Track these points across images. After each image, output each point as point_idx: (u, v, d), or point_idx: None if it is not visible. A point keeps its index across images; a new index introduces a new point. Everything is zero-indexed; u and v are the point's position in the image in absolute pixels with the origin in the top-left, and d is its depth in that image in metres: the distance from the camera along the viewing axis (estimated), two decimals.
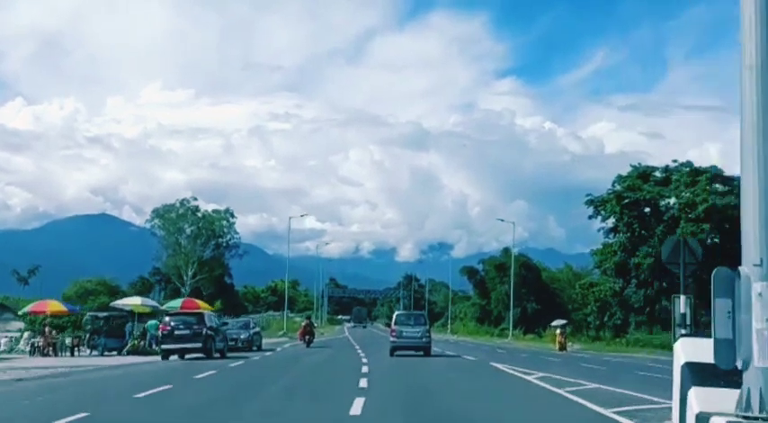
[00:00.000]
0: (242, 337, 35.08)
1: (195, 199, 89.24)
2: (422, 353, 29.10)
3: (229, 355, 29.76)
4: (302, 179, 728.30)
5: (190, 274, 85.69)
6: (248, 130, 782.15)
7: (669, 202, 59.48)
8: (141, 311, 34.84)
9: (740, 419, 6.29)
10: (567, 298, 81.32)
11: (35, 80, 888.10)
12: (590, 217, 63.05)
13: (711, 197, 55.38)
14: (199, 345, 27.00)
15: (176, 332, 26.99)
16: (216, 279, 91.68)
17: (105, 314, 35.24)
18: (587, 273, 79.89)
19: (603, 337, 61.59)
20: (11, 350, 33.06)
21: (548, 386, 15.54)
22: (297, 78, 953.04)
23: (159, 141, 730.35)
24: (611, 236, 62.26)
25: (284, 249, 72.96)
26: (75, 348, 32.27)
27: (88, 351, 32.93)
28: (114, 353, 32.23)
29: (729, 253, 56.64)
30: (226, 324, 31.82)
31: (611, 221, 61.42)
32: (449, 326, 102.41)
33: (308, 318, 47.59)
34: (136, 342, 32.58)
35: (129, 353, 31.47)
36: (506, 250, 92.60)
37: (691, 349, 8.20)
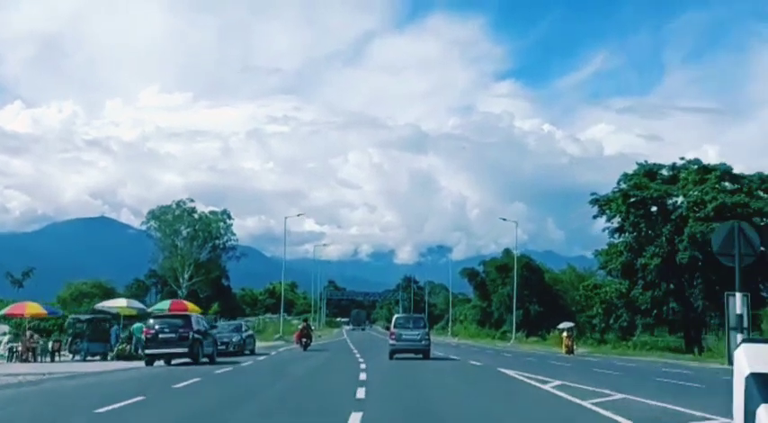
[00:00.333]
0: (233, 340, 33.27)
1: (192, 200, 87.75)
2: (421, 356, 28.78)
3: (219, 359, 27.99)
4: (301, 182, 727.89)
5: (186, 276, 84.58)
6: (246, 132, 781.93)
7: (677, 201, 57.83)
8: (127, 314, 32.91)
9: None
10: (570, 300, 79.70)
11: (34, 83, 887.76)
12: (595, 216, 61.38)
13: (721, 195, 53.71)
14: (185, 349, 25.18)
15: (161, 336, 25.17)
16: (213, 281, 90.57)
17: (88, 317, 33.41)
18: (590, 274, 78.34)
19: (609, 339, 59.86)
20: None
21: (569, 397, 13.71)
22: (295, 81, 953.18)
23: (157, 144, 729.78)
24: (616, 236, 60.54)
25: (282, 251, 70.96)
26: (56, 353, 30.43)
27: (70, 356, 31.16)
28: (98, 358, 30.49)
29: None
30: (215, 327, 29.89)
31: (616, 221, 59.72)
32: (449, 329, 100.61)
33: (306, 320, 46.25)
34: (123, 346, 30.72)
35: (116, 358, 29.67)
36: (507, 251, 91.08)
37: (757, 357, 6.51)
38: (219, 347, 31.12)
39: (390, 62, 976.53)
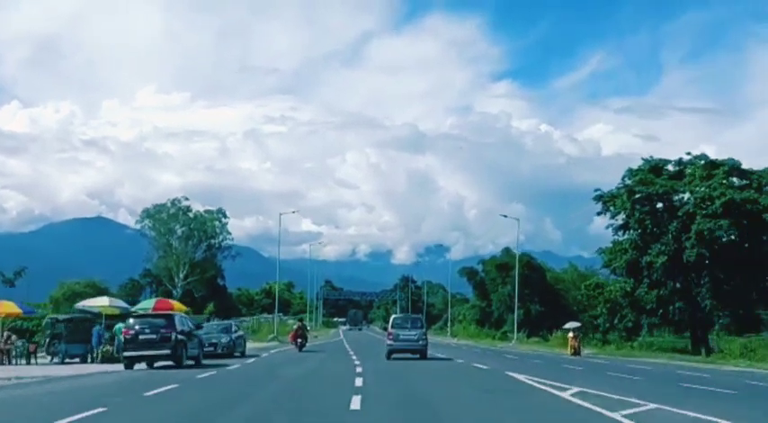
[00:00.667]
0: (222, 341, 31.37)
1: (186, 199, 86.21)
2: (418, 356, 29.07)
3: (206, 362, 26.17)
4: (298, 182, 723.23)
5: (181, 275, 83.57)
6: (244, 132, 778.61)
7: (684, 197, 56.09)
8: (110, 313, 30.97)
9: None
10: (571, 299, 78.03)
11: (31, 83, 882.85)
12: (598, 213, 59.64)
13: (729, 191, 52.02)
14: (167, 351, 23.30)
15: (141, 337, 23.29)
16: (208, 281, 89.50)
17: (66, 317, 31.54)
18: (592, 273, 76.68)
19: (611, 339, 58.10)
20: None
21: (595, 408, 11.89)
22: (292, 81, 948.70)
23: (155, 144, 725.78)
24: (620, 233, 58.76)
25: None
26: (33, 355, 28.56)
27: (49, 358, 29.33)
28: (77, 360, 28.67)
29: (748, 250, 53.51)
30: (200, 327, 28.01)
31: (620, 218, 57.96)
32: (449, 329, 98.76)
33: (301, 320, 44.77)
34: (106, 348, 28.82)
35: (101, 360, 27.79)
36: (507, 250, 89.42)
37: None
38: (207, 349, 29.35)
39: (388, 62, 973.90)
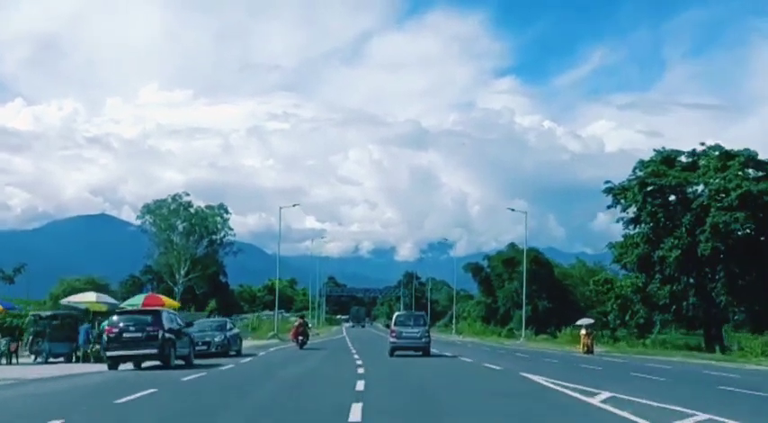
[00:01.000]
0: (215, 340, 29.59)
1: (187, 194, 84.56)
2: (420, 353, 29.13)
3: (198, 362, 24.42)
4: (301, 179, 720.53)
5: (182, 272, 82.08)
6: (246, 129, 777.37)
7: (697, 189, 54.31)
8: (97, 310, 29.22)
9: None
10: (579, 295, 76.27)
11: (34, 81, 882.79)
12: (608, 206, 57.84)
13: (745, 183, 50.18)
14: (154, 351, 21.51)
15: (125, 335, 21.52)
16: (210, 277, 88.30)
17: (49, 313, 29.79)
18: (601, 268, 74.94)
19: (621, 336, 56.29)
20: None
21: (640, 420, 10.10)
22: (295, 78, 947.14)
23: (158, 141, 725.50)
24: (631, 227, 56.93)
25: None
26: (14, 355, 26.82)
27: (32, 358, 27.61)
28: (62, 360, 26.96)
29: (765, 244, 51.62)
30: (191, 325, 26.28)
31: (632, 211, 56.14)
32: (453, 326, 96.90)
33: (302, 317, 43.09)
34: (94, 347, 27.02)
35: (93, 359, 26.02)
36: (513, 245, 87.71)
37: None
38: (200, 348, 27.63)
39: (390, 58, 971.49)
